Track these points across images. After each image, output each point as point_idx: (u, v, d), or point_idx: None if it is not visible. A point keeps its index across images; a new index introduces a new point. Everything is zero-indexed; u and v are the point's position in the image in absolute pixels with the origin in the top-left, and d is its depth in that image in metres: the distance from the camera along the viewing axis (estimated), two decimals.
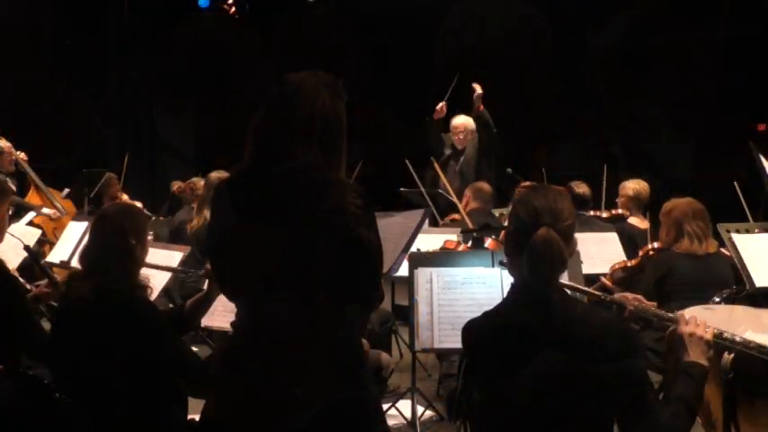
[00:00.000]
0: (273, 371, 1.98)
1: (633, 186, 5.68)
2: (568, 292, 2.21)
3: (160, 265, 3.63)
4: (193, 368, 2.70)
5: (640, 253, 4.61)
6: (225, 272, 2.12)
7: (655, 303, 2.60)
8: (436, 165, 6.43)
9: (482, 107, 7.14)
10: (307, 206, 1.98)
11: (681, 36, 9.57)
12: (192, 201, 6.66)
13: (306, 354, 1.98)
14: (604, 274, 4.66)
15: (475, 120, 7.15)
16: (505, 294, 2.20)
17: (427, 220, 5.90)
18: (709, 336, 2.21)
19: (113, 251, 2.74)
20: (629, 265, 4.64)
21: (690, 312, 2.34)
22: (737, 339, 2.29)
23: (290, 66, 2.26)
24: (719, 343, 2.30)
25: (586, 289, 2.72)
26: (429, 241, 4.73)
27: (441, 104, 7.25)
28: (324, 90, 2.08)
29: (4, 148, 6.76)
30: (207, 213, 5.46)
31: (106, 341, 2.64)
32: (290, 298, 1.99)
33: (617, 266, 4.69)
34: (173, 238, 6.04)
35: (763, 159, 4.38)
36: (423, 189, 6.77)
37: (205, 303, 3.04)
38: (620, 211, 5.81)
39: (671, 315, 2.32)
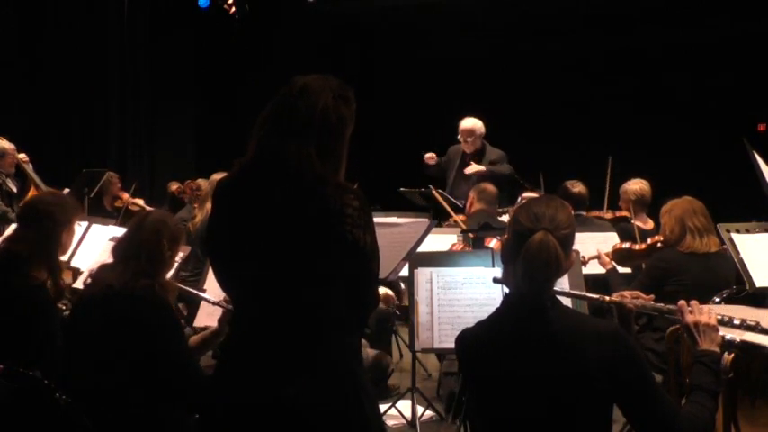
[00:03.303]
0: (267, 370, 1.97)
1: (635, 188, 5.64)
2: (566, 298, 2.20)
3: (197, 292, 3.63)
4: (194, 382, 2.70)
5: (649, 241, 4.57)
6: (220, 268, 2.12)
7: (652, 297, 2.60)
8: (435, 192, 6.40)
9: (473, 169, 6.83)
10: (301, 206, 1.98)
11: (680, 35, 9.58)
12: (193, 201, 6.67)
13: (299, 354, 1.97)
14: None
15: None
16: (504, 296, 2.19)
17: (428, 223, 5.92)
18: (713, 321, 2.20)
19: (146, 247, 2.80)
20: (634, 248, 4.61)
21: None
22: (736, 322, 2.29)
23: (290, 66, 2.27)
24: (723, 326, 2.28)
25: (584, 294, 2.71)
26: (429, 241, 4.72)
27: (427, 157, 7.08)
28: (328, 93, 2.07)
29: (7, 150, 6.76)
30: (209, 208, 5.46)
31: (121, 331, 2.68)
32: (284, 297, 1.98)
33: (620, 246, 4.66)
34: None
35: (756, 156, 4.37)
36: (421, 190, 6.78)
37: (213, 340, 3.05)
38: (623, 213, 5.79)
39: (672, 307, 2.31)
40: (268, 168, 2.04)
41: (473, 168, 6.84)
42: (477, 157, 6.99)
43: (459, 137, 7.03)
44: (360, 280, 2.01)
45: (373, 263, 2.03)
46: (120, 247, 2.88)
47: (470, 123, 6.99)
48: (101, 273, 2.86)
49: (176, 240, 2.92)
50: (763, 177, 4.23)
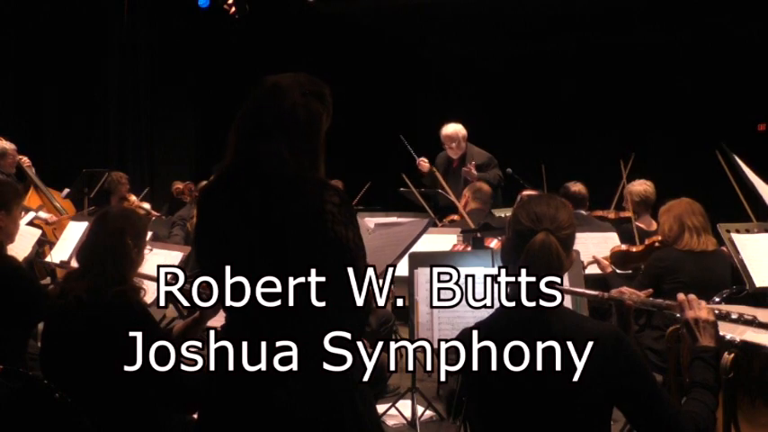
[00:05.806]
0: (259, 371, 1.95)
1: (639, 189, 5.63)
2: (566, 297, 2.19)
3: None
4: (178, 383, 2.65)
5: (646, 241, 4.58)
6: (210, 272, 2.09)
7: (651, 291, 2.59)
8: (437, 172, 6.38)
9: (474, 172, 6.76)
10: (280, 207, 1.95)
11: (680, 35, 9.58)
12: (192, 202, 6.68)
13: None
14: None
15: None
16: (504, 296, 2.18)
17: (426, 220, 5.93)
18: (712, 317, 2.19)
19: (110, 251, 2.72)
20: (632, 250, 4.62)
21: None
22: (734, 316, 2.29)
23: (290, 66, 2.26)
24: (720, 321, 2.28)
25: (583, 291, 2.70)
26: (429, 241, 4.73)
27: (419, 161, 7.00)
28: (296, 90, 2.05)
29: (8, 150, 6.76)
30: None
31: (98, 341, 2.62)
32: (271, 300, 1.95)
33: (618, 249, 4.67)
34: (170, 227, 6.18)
35: (738, 161, 4.36)
36: (421, 189, 6.77)
37: (195, 328, 2.99)
38: (627, 213, 5.77)
39: (671, 302, 2.30)
40: (245, 172, 2.02)
41: (470, 171, 6.83)
42: (463, 160, 6.97)
43: (443, 144, 7.01)
44: (348, 277, 1.95)
45: (359, 259, 1.98)
46: (84, 252, 2.79)
47: (452, 129, 6.96)
48: (69, 282, 2.78)
49: (141, 234, 2.84)
50: (749, 180, 4.22)
